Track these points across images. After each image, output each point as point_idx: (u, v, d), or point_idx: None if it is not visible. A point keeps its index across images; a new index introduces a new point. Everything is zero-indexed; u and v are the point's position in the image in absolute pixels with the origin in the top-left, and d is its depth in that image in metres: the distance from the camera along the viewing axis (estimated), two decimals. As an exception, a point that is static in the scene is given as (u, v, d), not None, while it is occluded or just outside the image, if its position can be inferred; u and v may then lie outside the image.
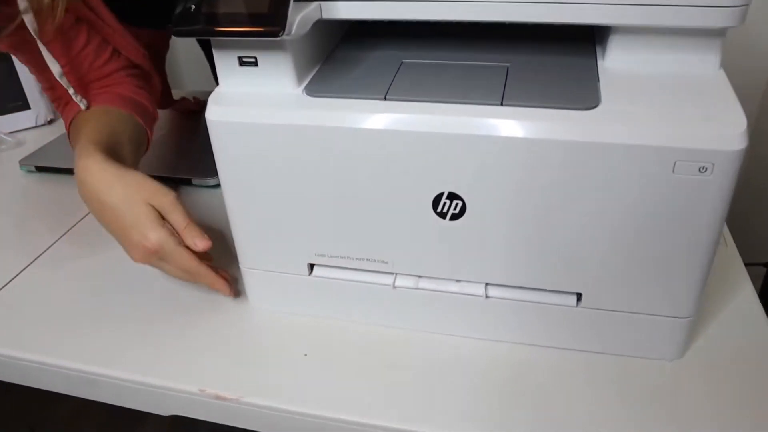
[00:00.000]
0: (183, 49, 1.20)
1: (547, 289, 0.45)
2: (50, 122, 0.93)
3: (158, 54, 0.80)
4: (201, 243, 0.49)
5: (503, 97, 0.40)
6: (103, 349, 0.50)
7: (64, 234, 0.65)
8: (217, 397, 0.46)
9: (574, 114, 0.39)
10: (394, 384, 0.46)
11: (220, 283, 0.52)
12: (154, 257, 0.50)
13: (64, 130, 0.87)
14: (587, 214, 0.40)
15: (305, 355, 0.49)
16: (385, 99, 0.42)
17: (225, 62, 0.45)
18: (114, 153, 0.55)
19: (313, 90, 0.44)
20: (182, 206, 0.50)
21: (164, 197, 0.50)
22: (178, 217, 0.50)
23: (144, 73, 0.69)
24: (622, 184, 0.39)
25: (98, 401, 0.50)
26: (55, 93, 0.65)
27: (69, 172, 0.76)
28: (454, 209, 0.43)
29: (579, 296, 0.45)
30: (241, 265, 0.52)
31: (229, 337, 0.51)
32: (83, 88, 0.63)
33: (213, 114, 0.44)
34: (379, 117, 0.41)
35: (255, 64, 0.44)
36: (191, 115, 0.88)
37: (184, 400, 0.47)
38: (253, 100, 0.44)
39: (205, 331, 0.52)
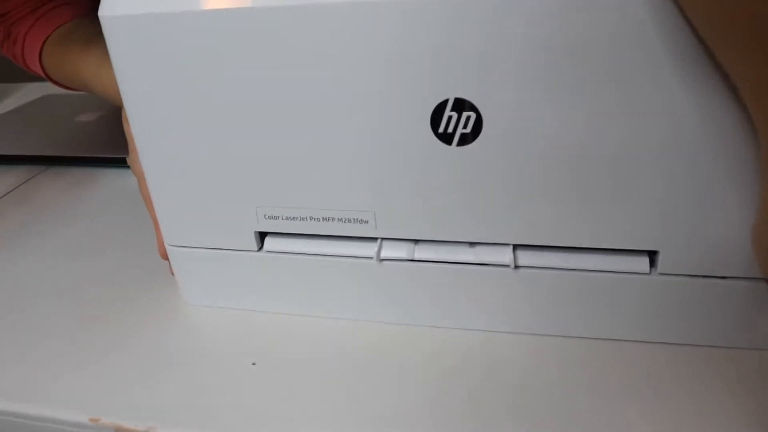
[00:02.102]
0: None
1: (606, 248, 0.31)
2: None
3: None
4: None
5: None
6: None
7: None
8: (118, 430, 0.31)
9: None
10: (380, 404, 0.31)
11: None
12: None
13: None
14: (676, 118, 0.26)
15: (253, 364, 0.34)
16: (355, -33, 0.28)
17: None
18: None
19: (252, -31, 0.30)
20: None
21: None
22: None
23: None
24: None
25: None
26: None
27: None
28: (464, 127, 0.29)
29: (653, 257, 0.31)
30: (166, 242, 0.38)
31: (143, 343, 0.36)
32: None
33: (108, 8, 0.31)
34: (346, -14, 0.27)
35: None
36: None
37: (66, 436, 0.31)
38: (165, -15, 0.30)
39: (107, 336, 0.36)
